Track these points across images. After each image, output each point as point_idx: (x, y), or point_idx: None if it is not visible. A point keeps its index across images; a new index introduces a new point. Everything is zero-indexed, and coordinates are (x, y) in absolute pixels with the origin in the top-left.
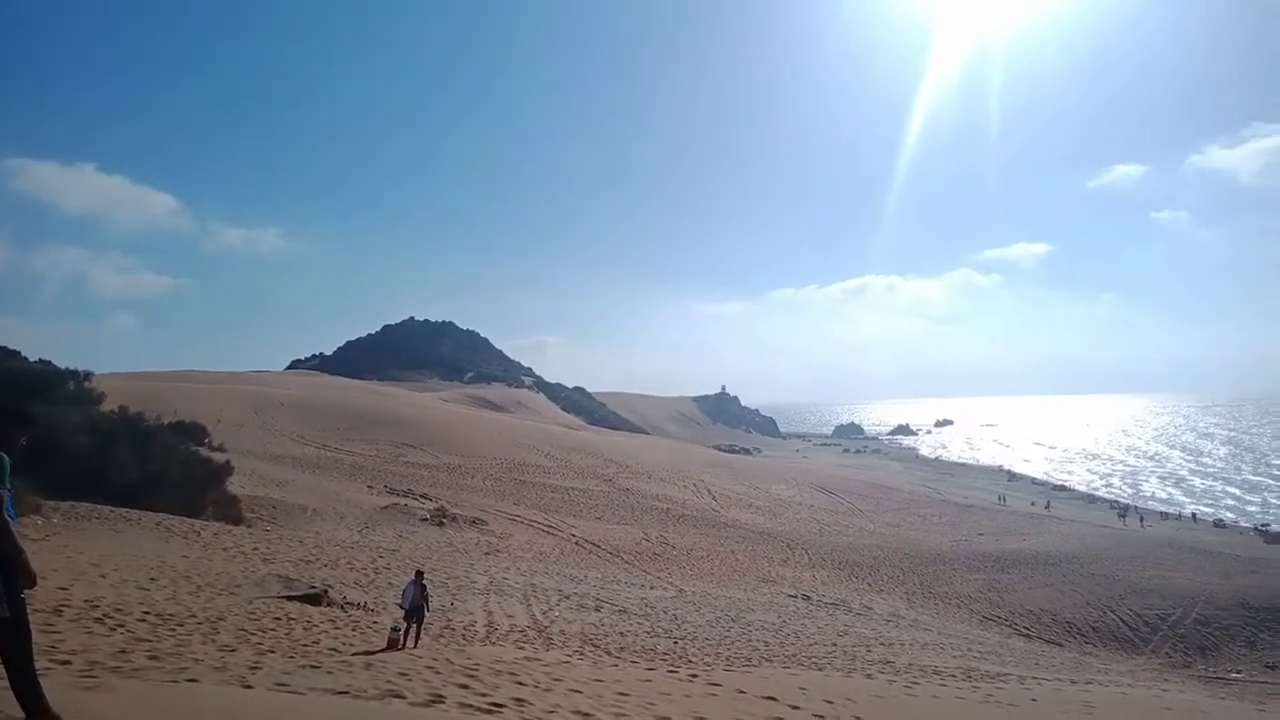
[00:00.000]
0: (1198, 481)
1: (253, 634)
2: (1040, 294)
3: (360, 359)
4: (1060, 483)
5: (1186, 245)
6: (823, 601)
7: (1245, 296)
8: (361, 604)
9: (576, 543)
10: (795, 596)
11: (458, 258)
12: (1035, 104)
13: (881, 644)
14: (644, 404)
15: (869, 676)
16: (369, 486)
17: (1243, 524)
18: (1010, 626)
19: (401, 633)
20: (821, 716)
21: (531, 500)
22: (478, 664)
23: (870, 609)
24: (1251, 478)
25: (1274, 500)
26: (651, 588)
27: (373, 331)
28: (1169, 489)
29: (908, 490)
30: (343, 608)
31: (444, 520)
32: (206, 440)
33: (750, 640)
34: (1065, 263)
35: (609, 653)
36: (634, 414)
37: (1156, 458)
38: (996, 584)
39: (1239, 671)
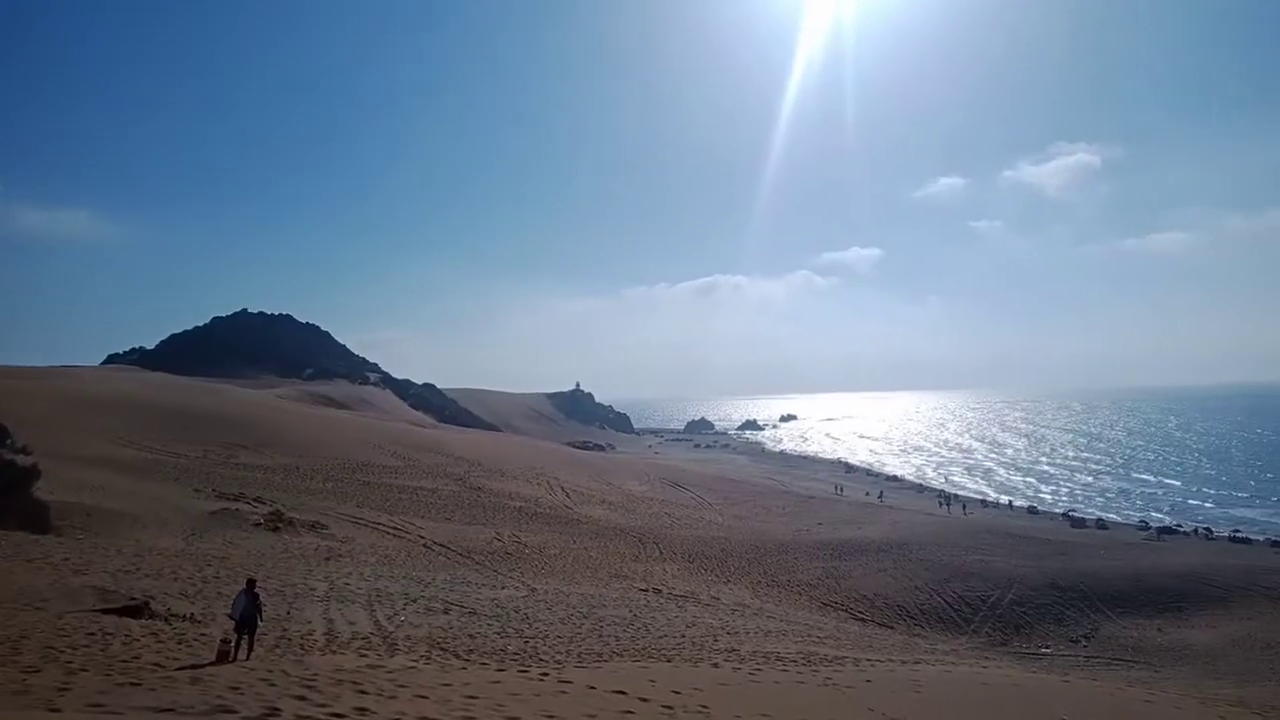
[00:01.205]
0: (1001, 472)
1: (62, 652)
2: (874, 295)
3: (186, 354)
4: (892, 474)
5: (1001, 252)
6: (673, 594)
7: (1053, 300)
8: (188, 615)
9: (425, 544)
10: (646, 590)
11: (295, 247)
12: (870, 121)
13: (728, 633)
14: (497, 401)
15: (715, 665)
16: (196, 490)
17: (1054, 510)
18: (847, 611)
19: (232, 644)
20: (669, 708)
21: (376, 502)
22: (316, 674)
23: (718, 600)
24: (1047, 469)
25: (1065, 488)
26: (503, 588)
27: (200, 324)
28: (976, 479)
29: (754, 483)
30: (167, 620)
31: (280, 525)
32: (9, 441)
33: (602, 636)
34: (896, 267)
35: (458, 656)
36: (486, 411)
37: (966, 450)
38: (834, 571)
39: (1048, 647)
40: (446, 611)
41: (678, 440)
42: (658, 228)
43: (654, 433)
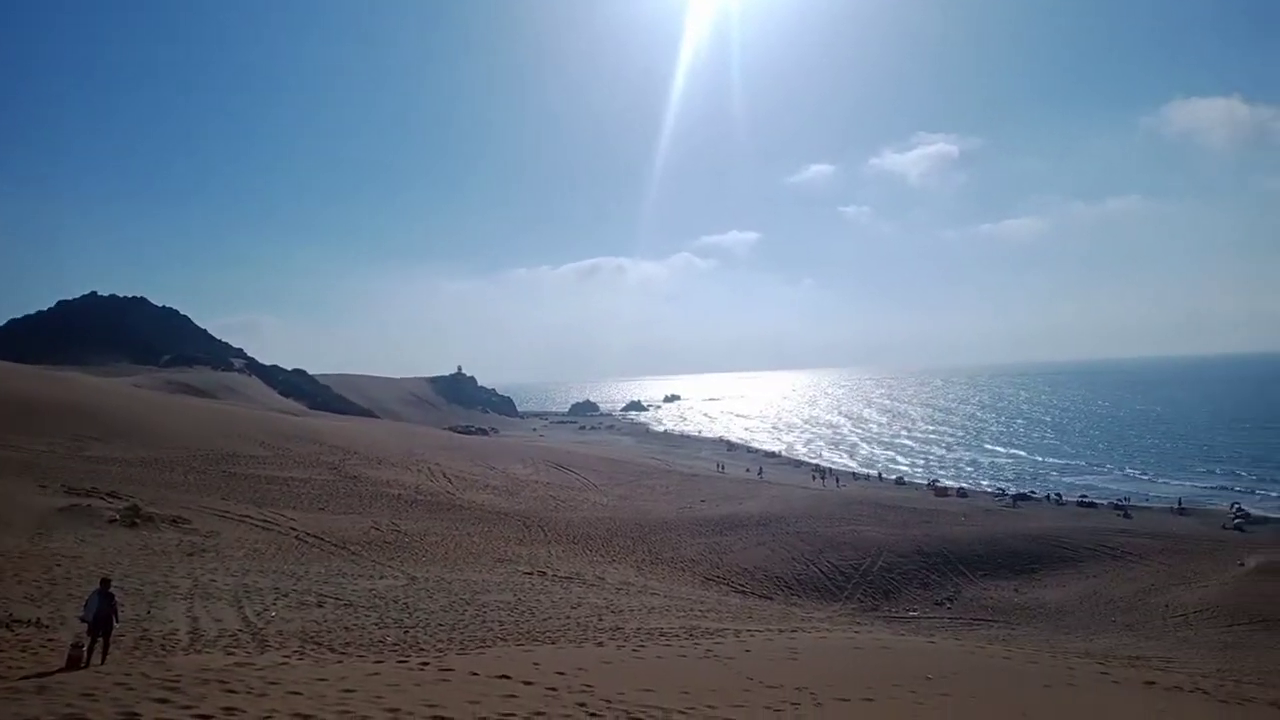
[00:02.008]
0: (865, 447)
1: None
2: (752, 277)
3: (29, 341)
4: (771, 450)
5: (870, 236)
6: (558, 576)
7: (918, 282)
8: (33, 621)
9: (297, 536)
10: (531, 573)
11: (149, 225)
12: (749, 109)
13: (612, 612)
14: (373, 386)
15: (599, 644)
16: (41, 486)
17: (919, 481)
18: (728, 585)
19: (85, 649)
20: (553, 689)
21: (244, 493)
22: (179, 675)
23: (603, 579)
24: (907, 442)
25: (922, 460)
26: (381, 578)
27: (45, 309)
28: (842, 454)
29: (638, 463)
30: (9, 627)
31: (137, 520)
32: None
33: (485, 622)
34: (772, 249)
35: (333, 649)
36: (362, 397)
37: (835, 426)
38: (716, 546)
39: (915, 610)
40: (321, 605)
41: (563, 423)
42: (539, 209)
43: (539, 416)
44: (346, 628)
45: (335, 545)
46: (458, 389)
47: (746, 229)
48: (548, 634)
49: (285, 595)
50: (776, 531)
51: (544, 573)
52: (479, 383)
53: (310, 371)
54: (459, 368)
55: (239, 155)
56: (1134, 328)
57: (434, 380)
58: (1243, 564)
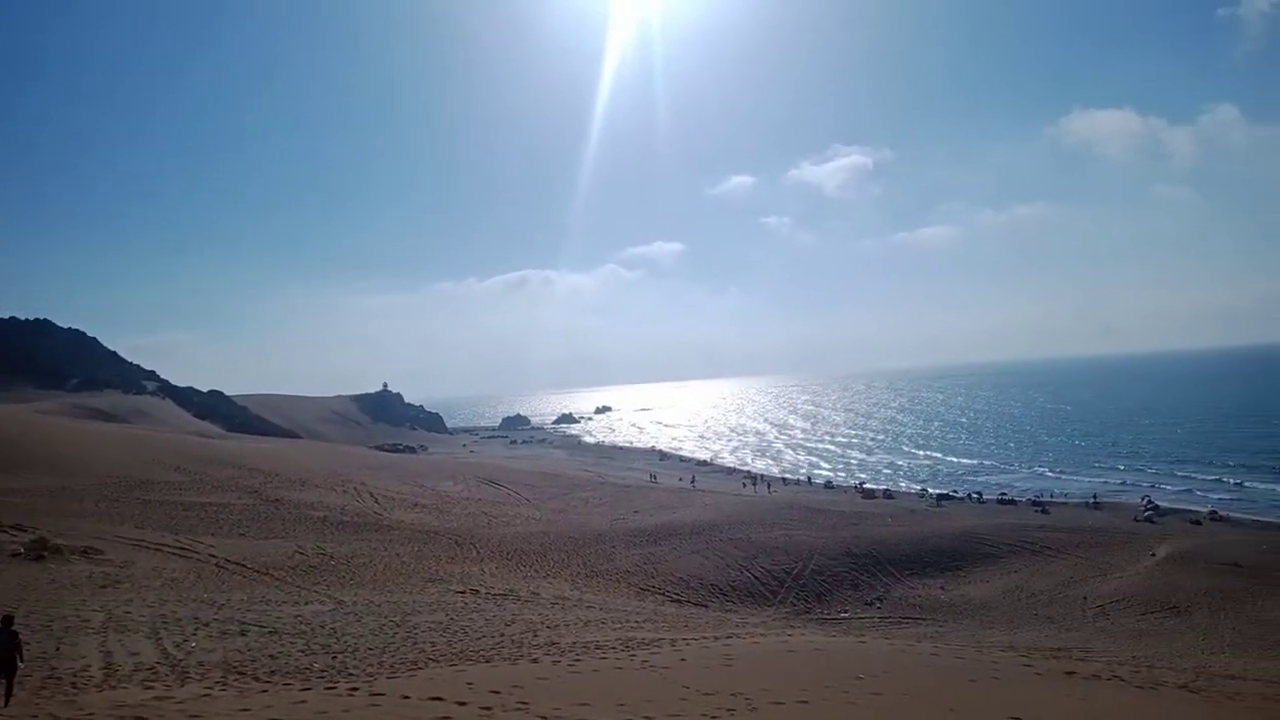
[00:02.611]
0: (789, 453)
1: None
2: (678, 288)
3: None
4: (703, 459)
5: (791, 246)
6: (491, 594)
7: (838, 290)
8: None
9: (217, 564)
10: (463, 592)
11: (51, 243)
12: (671, 122)
13: (547, 627)
14: (294, 406)
15: (535, 661)
16: None
17: (848, 484)
18: (664, 594)
19: None
20: (488, 708)
21: (159, 521)
22: (92, 713)
23: (537, 595)
24: (829, 447)
25: (843, 464)
26: (307, 603)
27: None
28: (767, 460)
29: (571, 476)
30: None
31: (45, 553)
32: None
33: (416, 643)
34: (697, 259)
35: (257, 679)
36: (283, 417)
37: (761, 433)
38: (651, 556)
39: (846, 611)
40: (244, 633)
41: (493, 438)
42: (465, 223)
43: (468, 431)
44: (271, 656)
45: (258, 571)
46: (384, 406)
47: (671, 239)
48: (481, 653)
49: (206, 625)
50: (710, 539)
51: (477, 591)
52: (406, 399)
53: (227, 392)
54: (384, 384)
55: (146, 168)
56: (1042, 329)
57: (358, 398)
58: (1154, 554)
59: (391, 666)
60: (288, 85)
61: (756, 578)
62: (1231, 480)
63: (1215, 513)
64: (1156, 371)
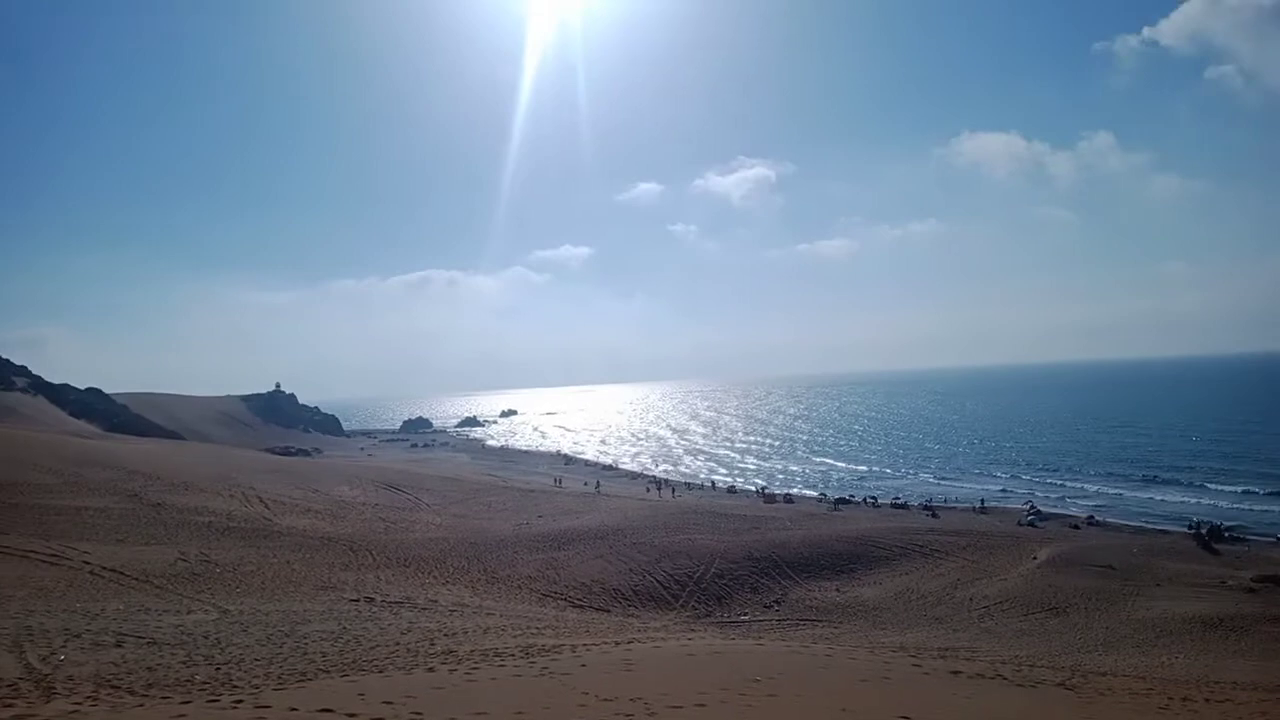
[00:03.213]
0: (688, 459)
1: None
2: (586, 292)
3: None
4: (609, 463)
5: (697, 253)
6: (387, 601)
7: (744, 298)
8: None
9: (91, 571)
10: (358, 600)
11: None
12: (578, 127)
13: (445, 635)
14: (179, 405)
15: (431, 670)
16: None
17: (749, 488)
18: (566, 600)
19: None
20: (380, 719)
21: (27, 526)
22: None
23: (436, 602)
24: (728, 453)
25: (739, 469)
26: (189, 612)
27: None
28: (664, 465)
29: (474, 480)
30: None
31: None
32: None
33: (306, 653)
34: (604, 264)
35: (133, 692)
36: (166, 417)
37: (661, 439)
38: (554, 562)
39: (746, 614)
40: (119, 644)
41: (393, 440)
42: (367, 219)
43: (367, 434)
44: (149, 668)
45: (136, 579)
46: (276, 408)
47: (580, 244)
48: (375, 662)
49: (77, 636)
50: (614, 544)
51: (372, 599)
52: (300, 400)
53: (106, 390)
54: (277, 384)
55: (15, 151)
56: (934, 341)
57: (249, 398)
58: (1035, 558)
59: (279, 678)
60: (182, 67)
61: (659, 582)
62: (1107, 487)
63: (1092, 518)
64: (1037, 383)
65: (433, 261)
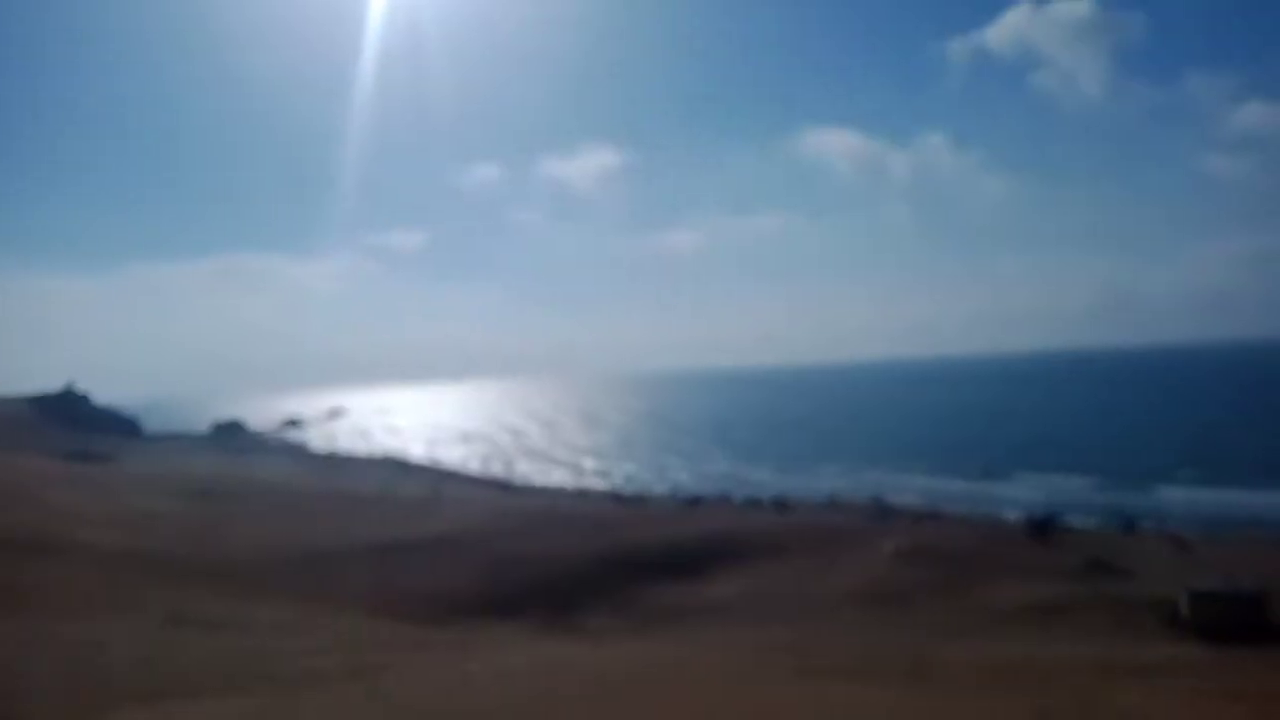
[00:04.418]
0: (523, 462)
1: None
2: (424, 281)
3: None
4: (451, 467)
5: (544, 242)
6: (199, 621)
7: (595, 288)
8: None
9: None
10: (166, 620)
11: None
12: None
13: (265, 656)
14: None
15: (247, 694)
16: None
17: (602, 489)
18: (400, 614)
19: None
20: None
21: None
22: None
23: (255, 620)
24: (567, 455)
25: (577, 469)
26: None
27: None
28: (515, 466)
29: (298, 487)
30: None
31: None
32: None
33: (107, 681)
34: (443, 251)
35: None
36: None
37: (494, 441)
38: (387, 573)
39: (596, 619)
40: None
41: (205, 444)
42: (164, 195)
43: (174, 437)
44: None
45: None
46: (67, 409)
47: (412, 228)
48: (186, 688)
49: None
50: (454, 552)
51: (182, 619)
52: (95, 400)
53: None
54: (68, 383)
55: None
56: (784, 336)
57: (35, 399)
58: (882, 549)
59: (74, 711)
60: None
61: (504, 590)
62: (947, 481)
63: (935, 510)
64: (879, 378)
65: (244, 244)
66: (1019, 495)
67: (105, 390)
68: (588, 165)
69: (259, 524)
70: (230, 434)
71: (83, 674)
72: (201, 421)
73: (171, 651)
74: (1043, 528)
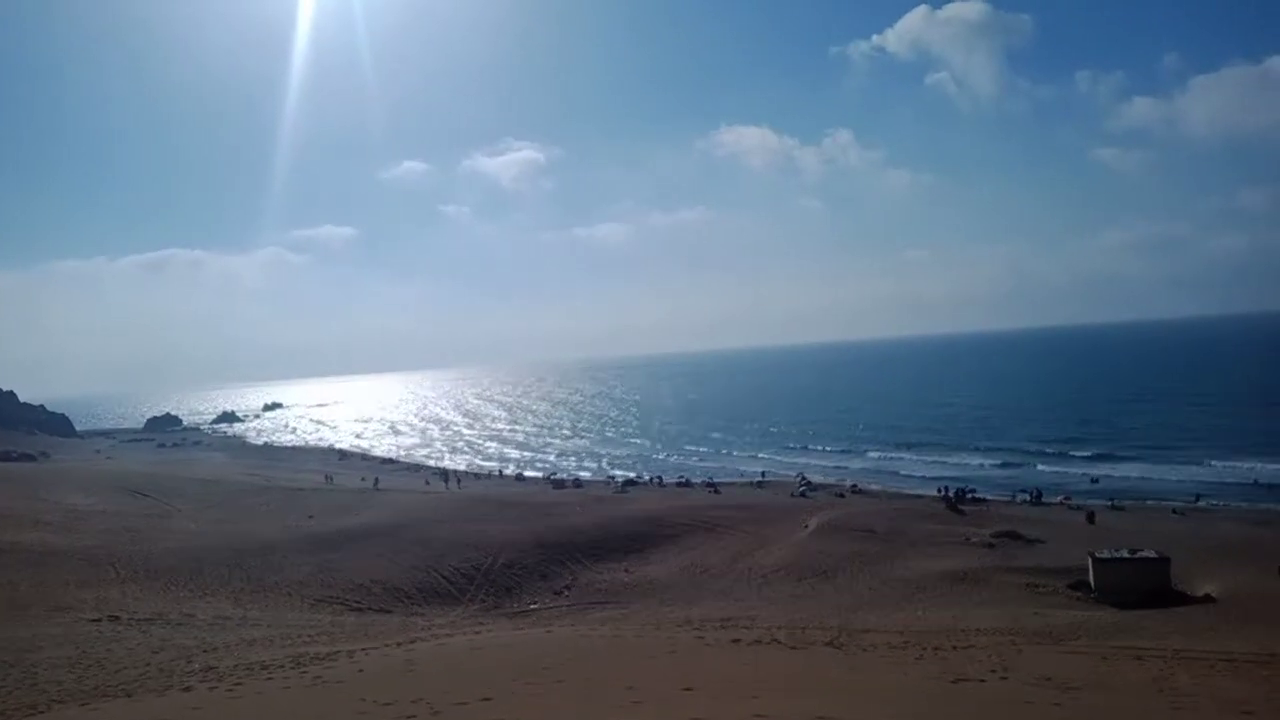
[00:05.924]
0: (447, 455)
1: None
2: (354, 275)
3: None
4: (389, 457)
5: (472, 236)
6: (135, 619)
7: (525, 281)
8: None
9: None
10: (100, 619)
11: None
12: (339, 97)
13: (204, 651)
14: None
15: (187, 689)
16: None
17: (537, 474)
18: (342, 604)
19: None
20: None
21: None
22: None
23: (193, 616)
24: (494, 445)
25: (517, 455)
26: None
27: None
28: (453, 454)
29: (234, 481)
30: None
31: None
32: None
33: (36, 684)
34: (372, 246)
35: None
36: None
37: (422, 430)
38: (327, 564)
39: (536, 602)
40: None
41: (137, 441)
42: (95, 190)
43: (105, 434)
44: None
45: None
46: None
47: (342, 223)
48: (121, 687)
49: None
50: (394, 541)
51: (117, 617)
52: (21, 398)
53: None
54: None
55: None
56: (706, 324)
57: None
58: (807, 526)
59: (9, 712)
60: None
61: (444, 577)
62: (866, 458)
63: (856, 486)
64: (797, 362)
65: (173, 239)
66: (933, 472)
67: (32, 388)
68: (512, 161)
69: (195, 519)
70: (165, 429)
71: (14, 675)
72: (135, 418)
73: (106, 650)
74: (957, 501)
